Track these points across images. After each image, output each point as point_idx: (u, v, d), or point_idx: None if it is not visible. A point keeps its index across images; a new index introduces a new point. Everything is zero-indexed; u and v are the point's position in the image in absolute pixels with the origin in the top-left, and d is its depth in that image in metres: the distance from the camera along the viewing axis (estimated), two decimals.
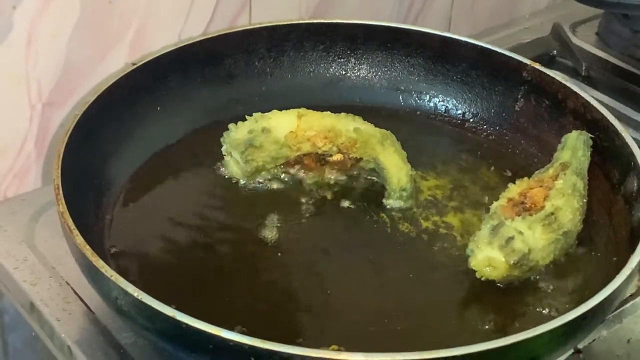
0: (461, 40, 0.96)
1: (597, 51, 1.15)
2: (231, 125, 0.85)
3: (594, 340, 0.75)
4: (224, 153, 0.86)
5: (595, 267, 0.78)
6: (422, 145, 0.92)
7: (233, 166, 0.85)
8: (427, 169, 0.89)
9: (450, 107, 0.97)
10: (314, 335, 0.71)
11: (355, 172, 0.87)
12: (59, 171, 0.73)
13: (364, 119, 0.86)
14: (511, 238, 0.74)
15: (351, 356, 0.60)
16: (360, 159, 0.85)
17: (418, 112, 0.97)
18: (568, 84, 0.89)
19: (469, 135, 0.95)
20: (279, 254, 0.79)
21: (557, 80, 0.90)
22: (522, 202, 0.77)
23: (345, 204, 0.84)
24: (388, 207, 0.84)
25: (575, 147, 0.83)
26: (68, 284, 0.78)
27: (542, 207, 0.76)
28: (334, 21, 0.97)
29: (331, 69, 0.98)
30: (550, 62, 1.13)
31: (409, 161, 0.85)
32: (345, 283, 0.76)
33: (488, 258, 0.74)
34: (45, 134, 0.90)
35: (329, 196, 0.85)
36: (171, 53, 0.89)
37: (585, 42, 1.17)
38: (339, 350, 0.66)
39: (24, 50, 0.85)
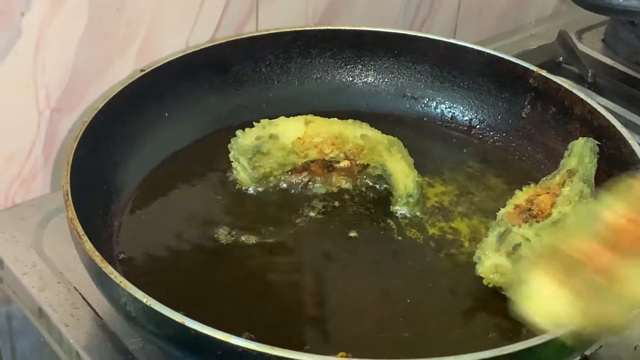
0: (468, 47, 0.96)
1: (603, 58, 1.15)
2: (239, 132, 0.85)
3: (600, 347, 0.75)
4: (231, 159, 0.86)
5: None
6: (429, 152, 0.92)
7: (241, 172, 0.86)
8: (433, 176, 0.89)
9: (456, 113, 0.97)
10: (320, 342, 0.71)
11: (362, 179, 0.87)
12: (68, 177, 0.73)
13: (371, 126, 0.86)
14: (518, 245, 0.74)
15: None
16: (367, 165, 0.85)
17: (425, 119, 0.97)
18: (575, 91, 0.89)
19: (476, 142, 0.95)
20: (286, 261, 0.79)
21: (564, 87, 0.90)
22: (529, 209, 0.77)
23: (352, 210, 0.84)
24: (395, 213, 0.84)
25: (582, 154, 0.83)
26: (76, 289, 0.79)
27: (549, 214, 0.76)
28: (341, 28, 0.98)
29: (338, 76, 0.98)
30: (556, 68, 1.13)
31: (415, 168, 0.85)
32: (352, 289, 0.77)
33: (495, 265, 0.74)
34: (52, 140, 0.90)
35: (335, 203, 0.85)
36: (179, 60, 0.89)
37: (591, 48, 1.17)
38: (347, 357, 0.66)
39: (32, 56, 0.85)
